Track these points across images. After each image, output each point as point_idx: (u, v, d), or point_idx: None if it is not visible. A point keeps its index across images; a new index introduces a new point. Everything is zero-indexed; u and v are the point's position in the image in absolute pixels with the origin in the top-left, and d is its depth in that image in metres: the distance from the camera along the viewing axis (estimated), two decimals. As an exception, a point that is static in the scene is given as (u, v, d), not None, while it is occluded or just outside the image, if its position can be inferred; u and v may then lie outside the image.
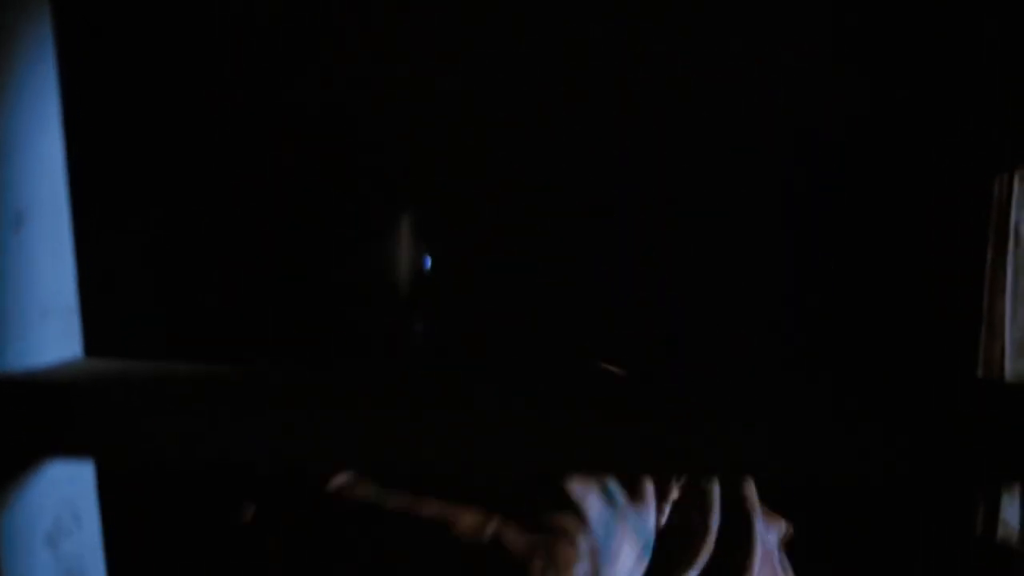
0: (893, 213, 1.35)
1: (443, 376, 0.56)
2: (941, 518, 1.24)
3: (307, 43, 1.31)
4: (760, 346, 1.37)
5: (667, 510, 0.90)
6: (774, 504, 1.02)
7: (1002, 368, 1.21)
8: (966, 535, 1.20)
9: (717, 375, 1.25)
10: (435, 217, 1.35)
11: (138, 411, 0.47)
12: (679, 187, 1.41)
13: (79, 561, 0.49)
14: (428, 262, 1.32)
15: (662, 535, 0.90)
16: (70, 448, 0.47)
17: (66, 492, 0.49)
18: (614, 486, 0.87)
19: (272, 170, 1.28)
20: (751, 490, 0.95)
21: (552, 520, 0.83)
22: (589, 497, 0.85)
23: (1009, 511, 1.19)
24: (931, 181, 1.30)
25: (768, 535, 0.97)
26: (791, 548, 1.03)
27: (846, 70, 1.35)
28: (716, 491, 0.93)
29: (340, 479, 0.90)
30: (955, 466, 0.48)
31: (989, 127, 1.18)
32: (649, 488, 0.89)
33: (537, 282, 1.40)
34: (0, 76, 0.46)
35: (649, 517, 0.88)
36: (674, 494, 0.91)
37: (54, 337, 0.49)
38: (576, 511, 0.84)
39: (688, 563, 0.89)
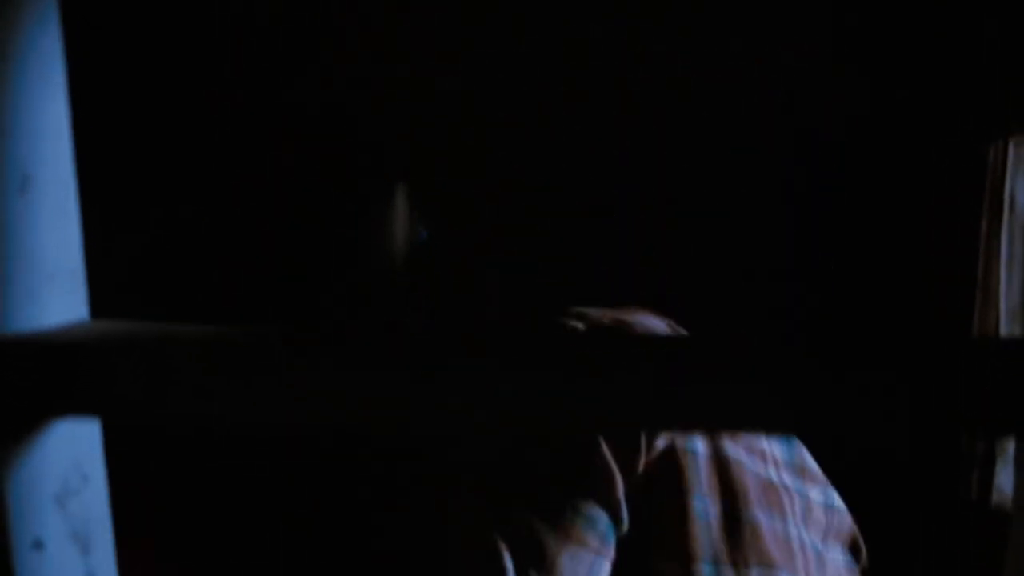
0: (889, 181, 1.35)
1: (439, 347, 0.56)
2: (936, 484, 1.24)
3: (307, 40, 1.32)
4: (761, 333, 1.37)
5: (635, 481, 0.86)
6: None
7: (997, 335, 1.22)
8: (961, 501, 1.20)
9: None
10: (434, 212, 1.36)
11: (144, 371, 0.47)
12: (678, 186, 1.41)
13: (86, 521, 0.49)
14: (424, 235, 1.32)
15: (637, 512, 0.87)
16: (77, 408, 0.48)
17: (74, 452, 0.49)
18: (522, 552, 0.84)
19: (274, 149, 1.28)
20: (737, 470, 0.91)
21: None
22: None
23: (1003, 477, 1.19)
24: (927, 150, 1.30)
25: (772, 520, 0.93)
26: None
27: (843, 38, 1.35)
28: (699, 468, 0.88)
29: None
30: (950, 424, 0.49)
31: (985, 96, 1.18)
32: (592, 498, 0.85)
33: (537, 281, 1.41)
34: (6, 40, 0.47)
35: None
36: (640, 467, 0.86)
37: (60, 299, 0.49)
38: None
39: (673, 549, 0.86)
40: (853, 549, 1.04)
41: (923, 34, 1.33)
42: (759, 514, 0.90)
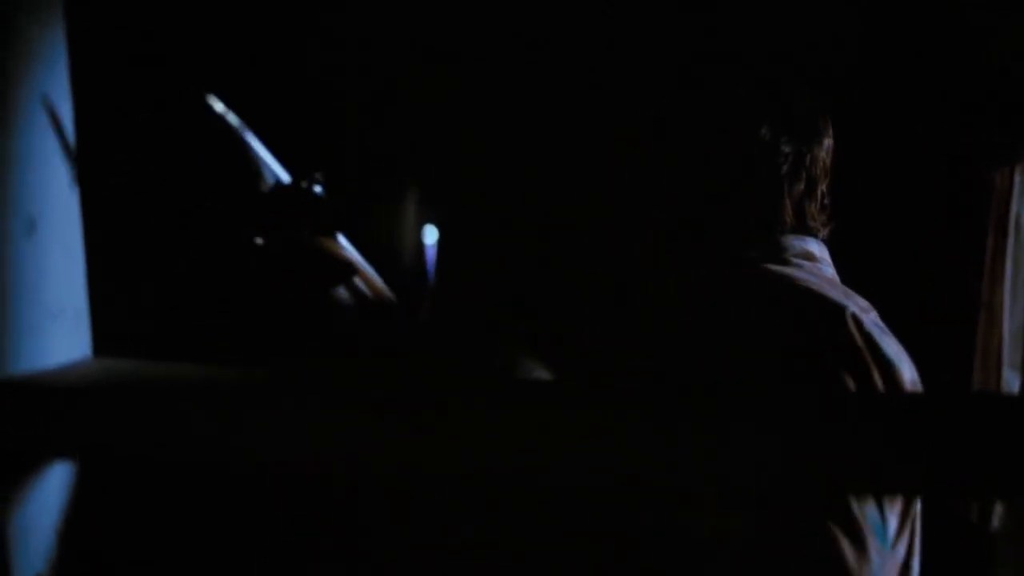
0: (898, 204, 1.35)
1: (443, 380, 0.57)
2: (937, 508, 1.24)
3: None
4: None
5: None
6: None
7: (999, 356, 1.22)
8: (961, 524, 1.22)
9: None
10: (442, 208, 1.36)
11: (146, 410, 0.48)
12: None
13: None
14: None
15: None
16: (79, 447, 0.49)
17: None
18: None
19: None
20: None
21: None
22: None
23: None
24: (936, 175, 1.30)
25: None
26: None
27: (856, 64, 1.35)
28: None
29: None
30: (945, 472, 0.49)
31: (991, 124, 1.19)
32: None
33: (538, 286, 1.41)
34: (15, 88, 0.48)
35: None
36: None
37: (64, 338, 0.51)
38: None
39: None
40: None
41: (934, 65, 1.33)
42: None
